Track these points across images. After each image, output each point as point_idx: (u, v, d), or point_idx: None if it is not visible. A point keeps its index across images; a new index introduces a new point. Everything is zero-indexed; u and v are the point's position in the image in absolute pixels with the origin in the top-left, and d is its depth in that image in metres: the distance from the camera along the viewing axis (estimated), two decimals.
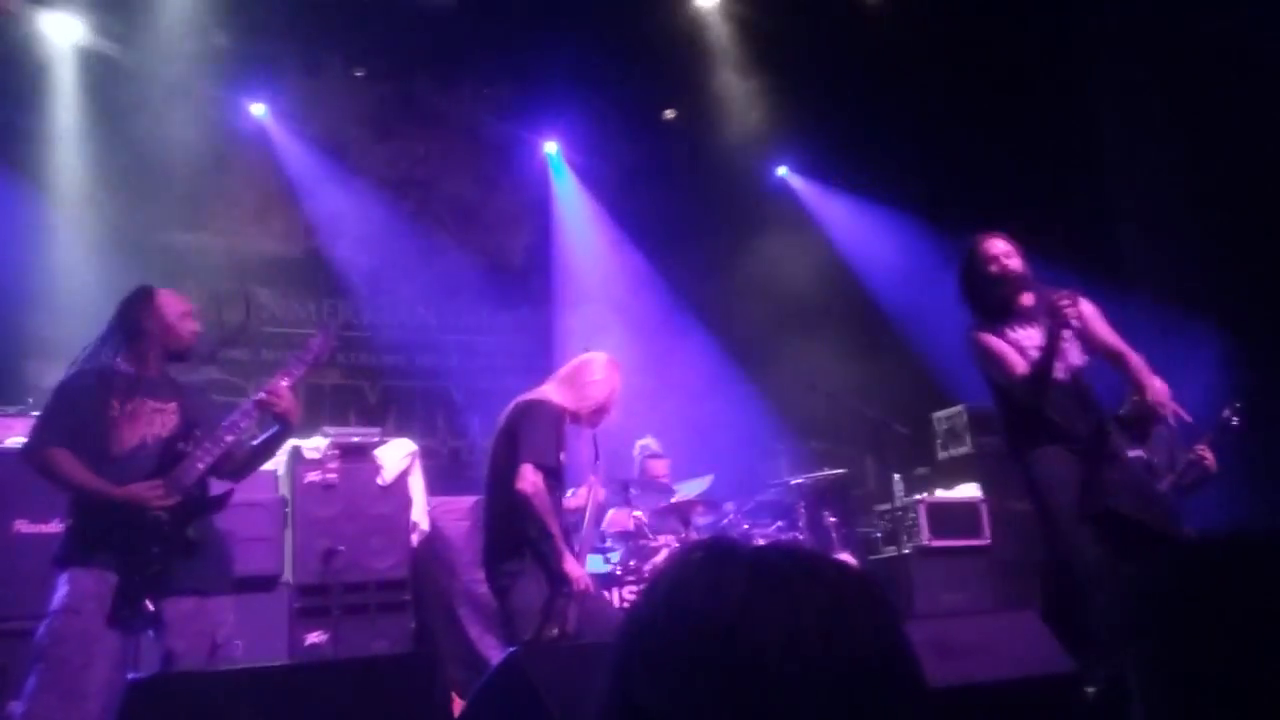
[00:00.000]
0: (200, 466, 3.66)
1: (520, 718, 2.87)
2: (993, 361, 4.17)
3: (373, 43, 8.35)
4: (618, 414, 4.60)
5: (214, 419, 3.80)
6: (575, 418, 4.46)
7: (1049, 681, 3.34)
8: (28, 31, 7.23)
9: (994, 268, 4.21)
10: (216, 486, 3.83)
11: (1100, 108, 7.66)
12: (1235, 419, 5.68)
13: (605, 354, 4.60)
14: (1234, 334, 6.92)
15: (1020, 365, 4.09)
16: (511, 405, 4.48)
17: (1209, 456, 5.34)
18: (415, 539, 5.92)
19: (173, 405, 3.79)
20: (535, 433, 4.26)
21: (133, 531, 3.51)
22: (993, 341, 4.17)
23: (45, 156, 7.21)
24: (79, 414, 3.65)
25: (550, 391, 4.47)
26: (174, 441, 3.72)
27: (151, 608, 3.47)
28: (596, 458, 4.70)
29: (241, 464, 3.92)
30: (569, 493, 4.95)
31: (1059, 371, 4.12)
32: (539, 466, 4.20)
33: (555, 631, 4.03)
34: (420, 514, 6.00)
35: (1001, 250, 4.23)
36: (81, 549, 3.52)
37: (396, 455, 6.00)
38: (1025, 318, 4.21)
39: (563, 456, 4.34)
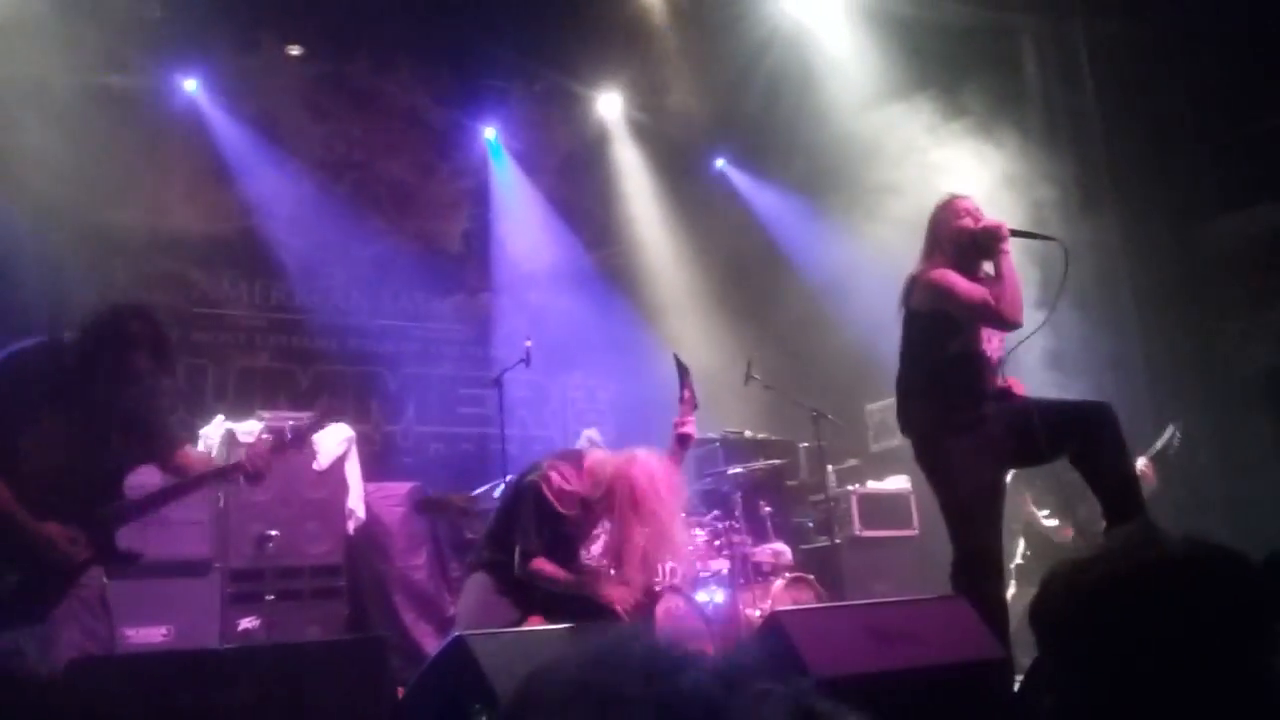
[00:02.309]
0: (123, 525, 3.52)
1: (466, 698, 2.88)
2: (953, 291, 4.04)
3: (309, 21, 8.21)
4: None
5: (156, 427, 3.69)
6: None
7: (981, 667, 3.44)
8: None
9: (965, 221, 4.15)
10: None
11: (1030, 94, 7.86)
12: (1176, 439, 5.93)
13: None
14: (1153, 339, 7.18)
15: (984, 292, 4.01)
16: None
17: (1149, 473, 5.49)
18: (351, 526, 5.87)
19: (107, 430, 3.51)
20: None
21: (29, 560, 3.28)
22: (954, 274, 4.06)
23: None
24: (2, 414, 3.35)
25: None
26: (100, 475, 3.51)
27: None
28: None
29: (190, 484, 3.78)
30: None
31: (993, 347, 4.15)
32: None
33: None
34: (356, 501, 5.95)
35: (971, 207, 4.20)
36: None
37: (333, 441, 5.94)
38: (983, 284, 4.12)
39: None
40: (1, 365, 3.43)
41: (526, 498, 4.12)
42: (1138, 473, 5.10)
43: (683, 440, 4.45)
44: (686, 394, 4.51)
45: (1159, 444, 6.14)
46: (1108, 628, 1.21)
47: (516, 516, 4.12)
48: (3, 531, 3.26)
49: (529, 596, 4.02)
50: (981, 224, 4.12)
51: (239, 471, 3.71)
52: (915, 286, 4.17)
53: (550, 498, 4.08)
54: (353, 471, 5.98)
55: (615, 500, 4.06)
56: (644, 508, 4.02)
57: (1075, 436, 4.01)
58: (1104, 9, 7.41)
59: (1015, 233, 4.17)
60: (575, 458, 4.34)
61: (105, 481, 3.54)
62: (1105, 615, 1.21)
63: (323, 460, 5.82)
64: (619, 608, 4.04)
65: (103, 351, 3.46)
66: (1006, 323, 4.05)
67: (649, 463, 4.15)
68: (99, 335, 3.48)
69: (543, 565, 4.01)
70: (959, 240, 4.14)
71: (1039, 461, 4.35)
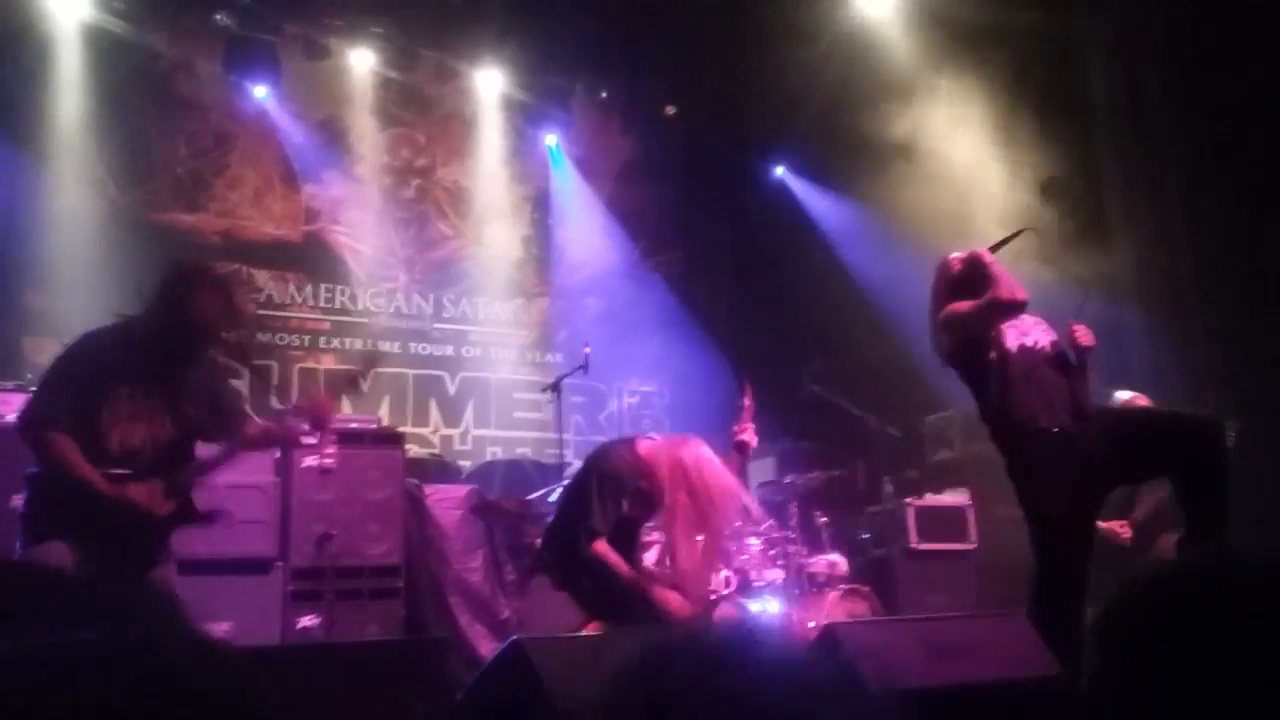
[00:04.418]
0: (202, 478, 3.66)
1: (521, 701, 2.91)
2: (955, 313, 4.12)
3: (375, 28, 8.36)
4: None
5: (225, 404, 3.80)
6: None
7: (1037, 683, 3.40)
8: (32, 6, 7.20)
9: (955, 268, 4.22)
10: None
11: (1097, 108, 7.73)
12: (1231, 440, 5.79)
13: None
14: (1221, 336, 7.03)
15: (977, 299, 4.05)
16: None
17: None
18: None
19: (182, 401, 3.61)
20: None
21: (117, 529, 3.38)
22: (952, 304, 4.13)
23: (47, 131, 7.18)
24: (82, 393, 3.45)
25: None
26: (177, 442, 3.61)
27: None
28: None
29: (257, 440, 3.94)
30: None
31: (1042, 341, 4.14)
32: None
33: None
34: None
35: (960, 257, 4.25)
36: (54, 528, 3.34)
37: None
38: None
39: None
40: (76, 345, 3.57)
41: (588, 482, 4.16)
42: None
43: (741, 448, 4.46)
44: (746, 401, 4.51)
45: None
46: (1176, 647, 1.20)
47: (579, 503, 4.14)
48: (83, 498, 3.36)
49: (589, 601, 4.03)
50: (962, 260, 4.18)
51: (300, 414, 3.87)
52: (936, 339, 4.24)
53: (611, 476, 4.12)
54: None
55: (669, 483, 4.07)
56: (696, 487, 4.03)
57: (1178, 452, 3.91)
58: (1171, 12, 7.27)
59: (994, 249, 4.19)
60: (631, 443, 4.36)
61: (181, 453, 3.64)
62: (1174, 634, 1.20)
63: None
64: (675, 614, 4.05)
65: (171, 303, 3.53)
66: (1008, 305, 4.03)
67: (700, 447, 4.18)
68: (164, 289, 3.56)
69: (606, 551, 4.03)
70: (950, 283, 4.20)
71: (1140, 478, 4.26)
